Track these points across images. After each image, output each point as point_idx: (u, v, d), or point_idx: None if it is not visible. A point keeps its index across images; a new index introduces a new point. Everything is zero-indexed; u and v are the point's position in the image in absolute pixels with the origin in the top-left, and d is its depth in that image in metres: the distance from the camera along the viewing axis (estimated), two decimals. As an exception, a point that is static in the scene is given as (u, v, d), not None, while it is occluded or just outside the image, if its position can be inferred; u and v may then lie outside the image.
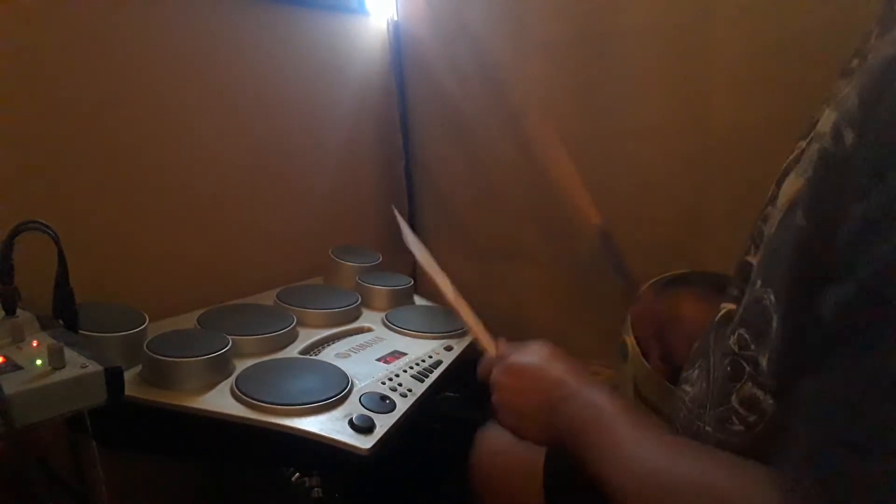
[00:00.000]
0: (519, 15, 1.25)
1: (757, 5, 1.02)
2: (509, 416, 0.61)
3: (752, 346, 0.43)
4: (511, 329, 0.82)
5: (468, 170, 1.40)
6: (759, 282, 0.42)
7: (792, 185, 0.43)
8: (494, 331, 0.84)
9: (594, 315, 1.24)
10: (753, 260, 0.47)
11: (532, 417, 0.58)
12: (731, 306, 0.50)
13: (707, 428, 0.47)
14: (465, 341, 1.00)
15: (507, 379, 0.62)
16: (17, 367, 0.54)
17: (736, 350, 0.45)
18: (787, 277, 0.38)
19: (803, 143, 0.47)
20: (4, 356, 0.55)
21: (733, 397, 0.44)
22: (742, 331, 0.45)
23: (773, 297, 0.39)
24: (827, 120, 0.44)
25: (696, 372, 0.52)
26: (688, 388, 0.53)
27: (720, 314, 0.52)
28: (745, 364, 0.44)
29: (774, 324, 0.39)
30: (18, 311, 0.62)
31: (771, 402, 0.41)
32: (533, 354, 0.61)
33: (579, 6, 1.18)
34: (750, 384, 0.43)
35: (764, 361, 0.40)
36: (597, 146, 1.23)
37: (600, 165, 1.24)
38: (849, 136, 0.33)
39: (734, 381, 0.44)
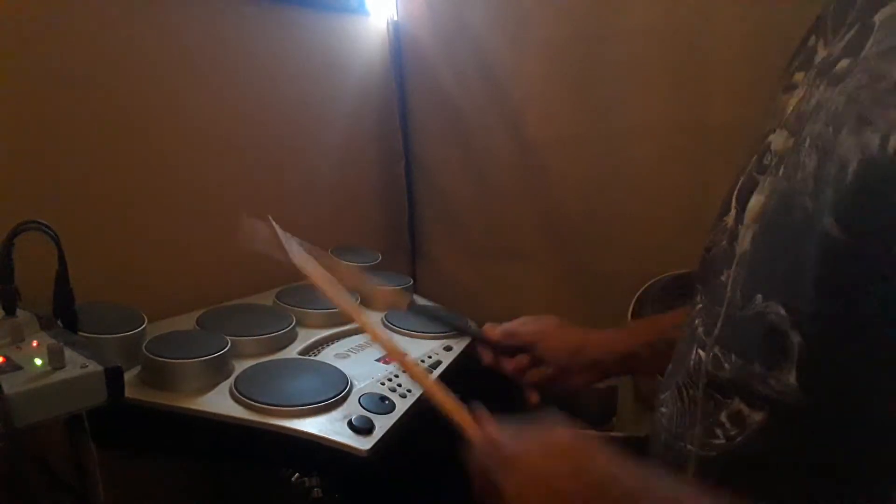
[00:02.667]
0: (519, 15, 1.25)
1: (757, 5, 1.02)
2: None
3: (738, 365, 0.42)
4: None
5: (468, 170, 1.40)
6: (757, 297, 0.41)
7: (760, 201, 0.44)
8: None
9: (594, 315, 1.24)
10: (723, 277, 0.47)
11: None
12: (696, 321, 0.50)
13: (689, 447, 0.47)
14: (465, 341, 1.00)
15: (526, 468, 0.49)
16: (17, 367, 0.54)
17: (711, 370, 0.45)
18: (814, 288, 0.36)
19: (754, 158, 0.48)
20: (4, 356, 0.55)
21: (722, 414, 0.44)
22: (718, 350, 0.45)
23: (783, 311, 0.38)
24: (781, 139, 0.45)
25: (669, 394, 0.52)
26: (664, 410, 0.53)
27: (689, 328, 0.52)
28: (727, 384, 0.44)
29: (794, 338, 0.38)
30: (18, 311, 0.62)
31: (759, 417, 0.41)
32: (549, 437, 0.51)
33: (579, 6, 1.18)
34: (738, 400, 0.43)
35: (780, 377, 0.39)
36: (597, 146, 1.23)
37: (600, 165, 1.24)
38: (891, 143, 0.33)
39: (720, 399, 0.44)
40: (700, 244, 0.55)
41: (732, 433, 0.43)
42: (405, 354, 0.66)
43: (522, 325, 0.81)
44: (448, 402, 0.58)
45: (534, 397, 0.80)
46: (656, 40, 1.13)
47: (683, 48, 1.10)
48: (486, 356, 0.83)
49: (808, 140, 0.39)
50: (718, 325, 0.46)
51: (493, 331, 0.83)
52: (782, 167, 0.43)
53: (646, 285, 1.11)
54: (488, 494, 0.50)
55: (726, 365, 0.43)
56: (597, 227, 1.27)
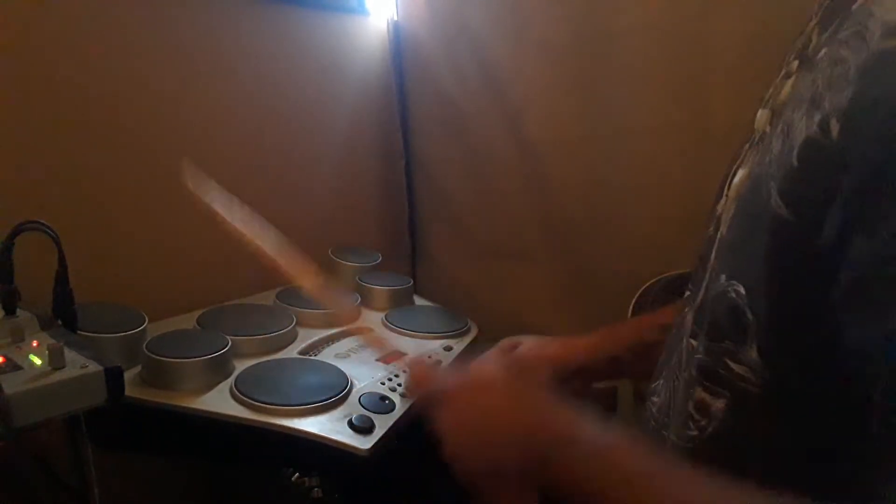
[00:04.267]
0: (519, 15, 1.25)
1: (757, 5, 1.02)
2: (465, 438, 0.47)
3: (708, 346, 0.43)
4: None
5: (468, 170, 1.40)
6: (721, 277, 0.41)
7: (741, 176, 0.45)
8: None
9: (594, 315, 1.24)
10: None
11: (502, 446, 0.45)
12: (685, 311, 0.50)
13: (672, 437, 0.47)
14: (465, 341, 1.00)
15: (465, 392, 0.49)
16: (17, 367, 0.54)
17: (694, 356, 0.45)
18: (764, 266, 0.37)
19: (747, 146, 0.48)
20: (4, 356, 0.55)
21: (690, 403, 0.44)
22: (697, 333, 0.45)
23: (742, 289, 0.39)
24: (763, 118, 0.46)
25: (661, 382, 0.52)
26: (655, 399, 0.53)
27: (680, 319, 0.52)
28: (696, 368, 0.44)
29: (749, 315, 0.38)
30: (18, 311, 0.62)
31: (720, 405, 0.41)
32: (498, 366, 0.51)
33: (579, 6, 1.18)
34: (699, 389, 0.43)
35: (740, 356, 0.39)
36: (597, 146, 1.23)
37: (600, 165, 1.24)
38: (835, 128, 0.34)
39: (690, 387, 0.45)
40: (700, 244, 0.56)
41: (703, 423, 0.43)
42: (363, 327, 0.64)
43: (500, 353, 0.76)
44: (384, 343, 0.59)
45: None
46: (656, 40, 1.13)
47: (683, 48, 1.10)
48: None
49: (780, 125, 0.40)
50: (697, 308, 0.46)
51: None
52: (760, 150, 0.44)
53: (646, 285, 1.11)
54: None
55: (701, 348, 0.44)
56: (597, 226, 1.27)
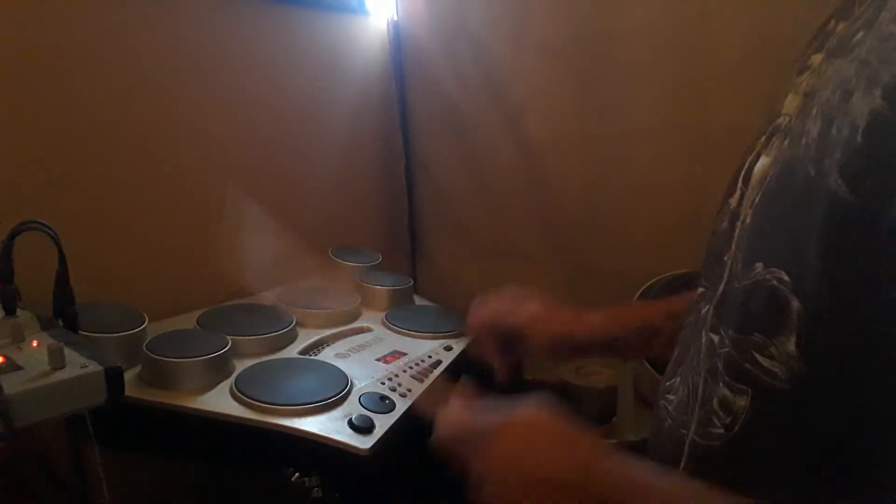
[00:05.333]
0: (519, 15, 1.25)
1: (757, 5, 1.02)
2: (510, 486, 0.45)
3: (735, 340, 0.42)
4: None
5: (468, 170, 1.40)
6: (756, 266, 0.40)
7: (765, 164, 0.45)
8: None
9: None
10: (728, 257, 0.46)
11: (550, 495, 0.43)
12: (702, 306, 0.50)
13: (692, 435, 0.46)
14: (465, 341, 0.99)
15: (509, 437, 0.47)
16: (17, 367, 0.54)
17: (717, 351, 0.44)
18: (817, 251, 0.36)
19: (763, 138, 0.48)
20: (4, 356, 0.55)
21: (714, 400, 0.44)
22: (718, 327, 0.44)
23: (784, 276, 0.38)
24: (794, 102, 0.46)
25: (678, 380, 0.51)
26: (671, 397, 0.52)
27: (693, 314, 0.52)
28: (721, 363, 0.43)
29: (793, 303, 0.37)
30: (18, 311, 0.62)
31: (742, 402, 0.41)
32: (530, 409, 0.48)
33: (579, 6, 1.18)
34: (723, 385, 0.43)
35: (780, 346, 0.38)
36: (597, 146, 1.23)
37: (600, 165, 1.24)
38: None
39: (714, 384, 0.44)
40: (700, 244, 0.55)
41: (728, 421, 0.42)
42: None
43: (513, 306, 0.78)
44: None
45: (501, 377, 0.78)
46: (656, 40, 1.13)
47: (683, 48, 1.10)
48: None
49: (815, 109, 0.39)
50: (719, 302, 0.46)
51: (485, 313, 0.79)
52: (788, 137, 0.43)
53: (646, 285, 1.11)
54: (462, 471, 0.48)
55: (727, 341, 0.43)
56: (597, 226, 1.27)
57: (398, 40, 1.41)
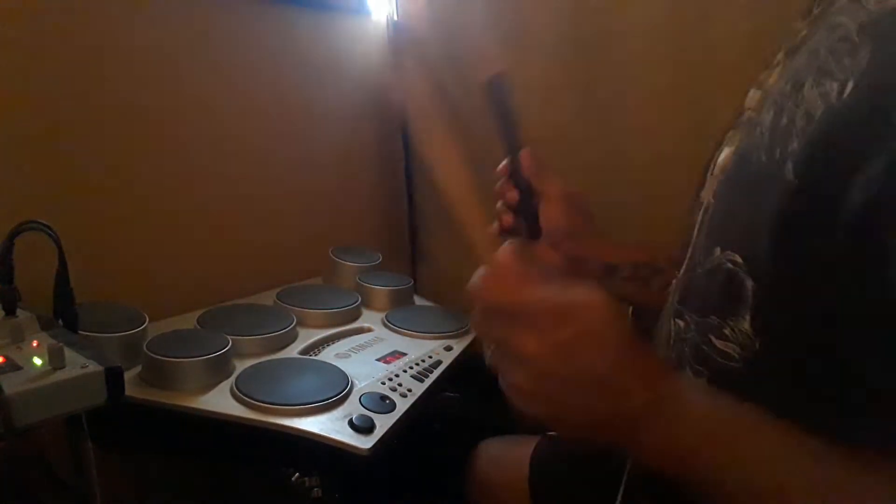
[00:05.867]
0: (519, 15, 1.25)
1: (757, 5, 1.02)
2: (544, 383, 0.38)
3: (696, 323, 0.43)
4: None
5: (468, 169, 1.40)
6: (715, 250, 0.41)
7: (725, 155, 0.47)
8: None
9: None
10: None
11: (586, 393, 0.37)
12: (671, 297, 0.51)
13: None
14: (465, 341, 1.00)
15: (546, 320, 0.38)
16: (17, 367, 0.54)
17: (681, 336, 0.45)
18: (769, 233, 0.36)
19: (731, 131, 0.50)
20: (4, 356, 0.55)
21: None
22: (682, 312, 0.45)
23: (738, 258, 0.39)
24: (756, 97, 0.48)
25: None
26: None
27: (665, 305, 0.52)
28: (689, 347, 0.44)
29: (748, 283, 0.38)
30: (18, 311, 0.62)
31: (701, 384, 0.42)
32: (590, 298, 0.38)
33: (579, 6, 1.18)
34: (687, 369, 0.43)
35: (735, 325, 0.39)
36: (597, 146, 1.23)
37: (600, 165, 1.24)
38: (851, 91, 0.34)
39: (682, 368, 0.45)
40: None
41: None
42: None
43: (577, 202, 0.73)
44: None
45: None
46: (657, 40, 1.13)
47: (684, 48, 1.10)
48: (511, 194, 0.71)
49: (769, 101, 0.41)
50: (683, 288, 0.47)
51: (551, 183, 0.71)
52: (747, 128, 0.44)
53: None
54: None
55: (692, 326, 0.44)
56: (596, 226, 1.27)
57: (398, 40, 1.41)
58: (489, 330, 0.42)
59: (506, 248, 0.44)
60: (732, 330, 0.39)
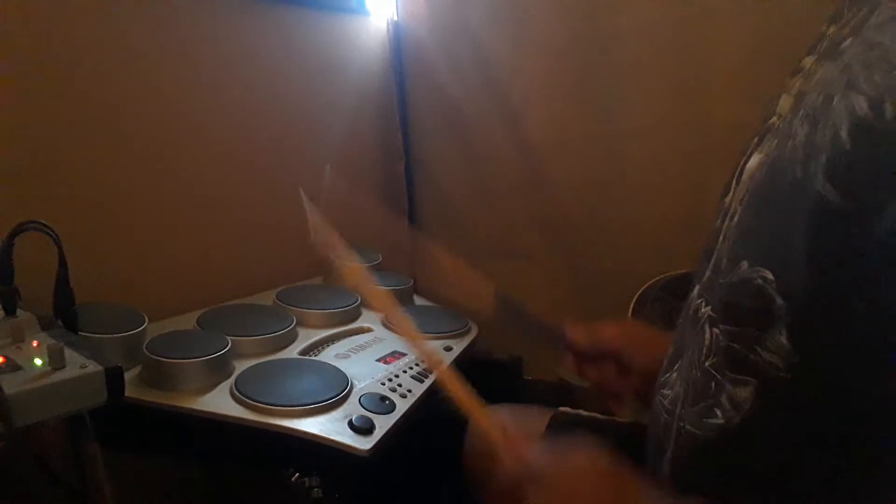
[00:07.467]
0: (519, 15, 1.25)
1: (757, 5, 1.02)
2: None
3: (733, 333, 0.42)
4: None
5: (468, 169, 1.40)
6: (742, 264, 0.41)
7: (755, 162, 0.45)
8: (494, 330, 0.83)
9: (594, 314, 1.24)
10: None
11: None
12: (699, 301, 0.50)
13: (688, 426, 0.47)
14: (465, 341, 1.00)
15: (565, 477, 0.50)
16: (17, 367, 0.54)
17: (717, 345, 0.45)
18: (805, 252, 0.36)
19: (756, 139, 0.49)
20: (4, 356, 0.55)
21: (716, 392, 0.44)
22: (717, 321, 0.45)
23: (769, 274, 0.38)
24: (788, 102, 0.46)
25: (675, 375, 0.52)
26: (667, 392, 0.52)
27: (691, 310, 0.52)
28: (723, 356, 0.44)
29: (777, 300, 0.38)
30: (18, 311, 0.62)
31: (745, 394, 0.41)
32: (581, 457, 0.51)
33: (579, 6, 1.18)
34: (725, 377, 0.43)
35: (774, 338, 0.38)
36: (597, 146, 1.23)
37: (600, 165, 1.24)
38: (890, 110, 0.33)
39: (715, 376, 0.44)
40: (700, 244, 0.56)
41: (730, 413, 0.43)
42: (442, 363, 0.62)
43: (610, 331, 0.76)
44: (482, 417, 0.57)
45: (616, 406, 0.76)
46: (656, 41, 1.13)
47: (684, 48, 1.10)
48: (568, 361, 0.77)
49: (802, 111, 0.40)
50: (714, 297, 0.46)
51: (578, 333, 0.77)
52: (778, 137, 0.43)
53: (646, 285, 1.11)
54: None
55: (726, 335, 0.44)
56: (597, 227, 1.27)
57: (398, 40, 1.41)
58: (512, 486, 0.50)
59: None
60: (773, 342, 0.39)
